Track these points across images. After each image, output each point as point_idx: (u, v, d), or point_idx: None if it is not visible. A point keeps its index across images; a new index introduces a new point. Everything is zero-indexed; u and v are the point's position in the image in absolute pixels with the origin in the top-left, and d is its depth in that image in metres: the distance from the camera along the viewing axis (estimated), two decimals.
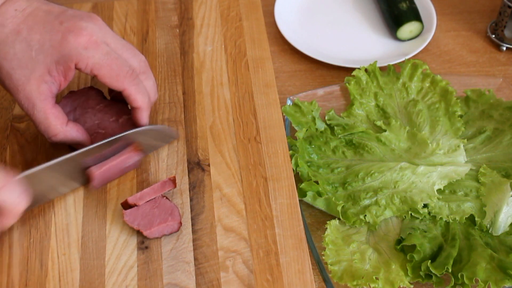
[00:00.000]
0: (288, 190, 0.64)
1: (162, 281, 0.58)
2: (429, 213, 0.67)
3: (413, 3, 0.90)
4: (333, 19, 0.94)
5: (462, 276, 0.59)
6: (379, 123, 0.73)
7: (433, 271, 0.60)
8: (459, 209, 0.67)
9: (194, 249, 0.60)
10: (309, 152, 0.71)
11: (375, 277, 0.60)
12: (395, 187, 0.68)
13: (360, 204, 0.67)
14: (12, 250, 0.59)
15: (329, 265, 0.61)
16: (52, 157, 0.58)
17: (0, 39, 0.55)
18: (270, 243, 0.60)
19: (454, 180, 0.69)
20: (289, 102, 0.75)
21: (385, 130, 0.72)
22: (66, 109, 0.64)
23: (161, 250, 0.60)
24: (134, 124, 0.64)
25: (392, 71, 0.79)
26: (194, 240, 0.60)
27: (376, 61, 0.79)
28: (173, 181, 0.63)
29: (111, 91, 0.67)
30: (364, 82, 0.77)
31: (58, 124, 0.58)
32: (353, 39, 0.91)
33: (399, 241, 0.64)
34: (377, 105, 0.76)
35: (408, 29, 0.88)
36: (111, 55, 0.57)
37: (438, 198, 0.67)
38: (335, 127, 0.74)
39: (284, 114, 0.73)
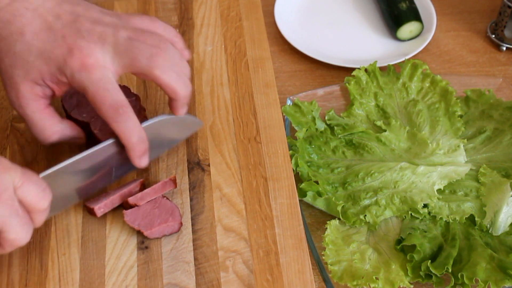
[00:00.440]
0: (288, 190, 0.64)
1: (162, 281, 0.58)
2: (429, 213, 0.67)
3: (413, 3, 0.90)
4: (333, 19, 0.94)
5: (462, 276, 0.59)
6: (379, 123, 0.73)
7: (433, 271, 0.60)
8: (459, 209, 0.67)
9: (194, 249, 0.60)
10: (309, 152, 0.71)
11: (375, 277, 0.60)
12: (395, 187, 0.68)
13: (360, 204, 0.67)
14: (12, 250, 0.59)
15: (329, 265, 0.61)
16: (52, 157, 0.58)
17: (4, 35, 0.56)
18: (270, 243, 0.60)
19: (454, 180, 0.69)
20: (289, 102, 0.76)
21: (385, 130, 0.72)
22: (68, 93, 0.64)
23: (161, 250, 0.60)
24: (136, 108, 0.63)
25: (392, 71, 0.79)
26: (194, 240, 0.60)
27: (376, 61, 0.79)
28: (173, 181, 0.63)
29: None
30: (364, 82, 0.77)
31: (54, 124, 0.58)
32: (353, 39, 0.91)
33: (399, 241, 0.64)
34: (377, 105, 0.76)
35: (408, 29, 0.88)
36: (103, 80, 0.55)
37: (438, 198, 0.67)
38: (335, 127, 0.74)
39: (284, 114, 0.73)
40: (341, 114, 0.76)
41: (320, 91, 0.78)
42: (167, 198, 0.62)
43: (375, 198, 0.67)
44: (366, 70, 0.78)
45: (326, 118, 0.75)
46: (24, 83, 0.56)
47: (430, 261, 0.60)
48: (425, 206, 0.67)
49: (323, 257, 0.62)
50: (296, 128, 0.73)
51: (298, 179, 0.68)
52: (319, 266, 0.62)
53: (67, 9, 0.57)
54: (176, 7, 0.82)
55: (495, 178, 0.68)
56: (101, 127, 0.62)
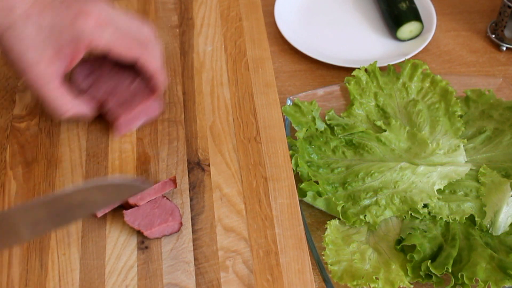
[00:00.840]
0: (288, 190, 0.64)
1: (162, 281, 0.58)
2: (429, 213, 0.67)
3: (413, 3, 0.90)
4: (333, 19, 0.94)
5: (462, 276, 0.59)
6: (379, 123, 0.74)
7: (433, 271, 0.60)
8: (459, 209, 0.67)
9: (194, 249, 0.60)
10: (309, 152, 0.71)
11: (375, 277, 0.60)
12: (395, 187, 0.68)
13: (360, 204, 0.67)
14: (12, 250, 0.59)
15: (329, 265, 0.61)
16: (52, 157, 0.58)
17: (10, 22, 0.57)
18: (270, 243, 0.60)
19: (454, 180, 0.69)
20: (289, 102, 0.75)
21: (385, 130, 0.72)
22: (80, 76, 0.67)
23: (161, 250, 0.60)
24: (149, 89, 0.67)
25: (392, 71, 0.79)
26: (194, 240, 0.60)
27: (376, 61, 0.79)
28: (173, 181, 0.63)
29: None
30: (364, 82, 0.77)
31: (69, 101, 0.62)
32: (353, 39, 0.91)
33: (399, 241, 0.64)
34: (377, 105, 0.76)
35: (408, 29, 0.88)
36: (120, 31, 0.60)
37: (438, 198, 0.67)
38: (335, 127, 0.74)
39: (284, 114, 0.73)
40: (341, 114, 0.76)
41: (320, 91, 0.78)
42: (167, 198, 0.62)
43: (375, 198, 0.67)
44: (366, 70, 0.78)
45: (326, 118, 0.75)
46: (39, 65, 0.58)
47: (430, 261, 0.61)
48: (425, 206, 0.67)
49: (323, 257, 0.62)
50: (296, 128, 0.73)
51: (298, 179, 0.68)
52: (319, 266, 0.62)
53: None
54: (176, 7, 0.82)
55: (495, 178, 0.68)
56: (112, 107, 0.67)
